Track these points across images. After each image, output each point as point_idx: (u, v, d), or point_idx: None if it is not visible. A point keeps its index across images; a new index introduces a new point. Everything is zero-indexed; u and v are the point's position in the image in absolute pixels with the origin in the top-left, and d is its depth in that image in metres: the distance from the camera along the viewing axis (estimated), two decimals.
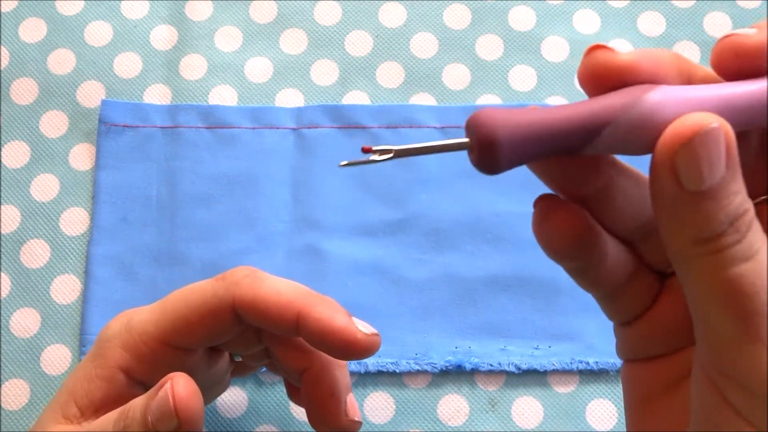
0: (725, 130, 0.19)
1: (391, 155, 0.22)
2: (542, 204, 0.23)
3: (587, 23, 0.51)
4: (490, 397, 0.45)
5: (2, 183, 0.49)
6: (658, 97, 0.20)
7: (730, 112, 0.20)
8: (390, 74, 0.51)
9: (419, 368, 0.45)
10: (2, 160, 0.49)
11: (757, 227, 0.20)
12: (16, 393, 0.46)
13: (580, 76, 0.22)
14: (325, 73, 0.51)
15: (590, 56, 0.22)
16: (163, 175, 0.48)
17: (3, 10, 0.52)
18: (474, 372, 0.45)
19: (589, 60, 0.22)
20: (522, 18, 0.51)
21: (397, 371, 0.45)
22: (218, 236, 0.47)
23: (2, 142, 0.50)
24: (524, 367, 0.45)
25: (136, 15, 0.52)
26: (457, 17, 0.52)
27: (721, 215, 0.19)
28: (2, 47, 0.52)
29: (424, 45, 0.51)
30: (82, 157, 0.49)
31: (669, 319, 0.24)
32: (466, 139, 0.21)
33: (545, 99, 0.50)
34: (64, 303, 0.47)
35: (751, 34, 0.21)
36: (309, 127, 0.49)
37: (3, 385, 0.46)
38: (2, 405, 0.45)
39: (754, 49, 0.21)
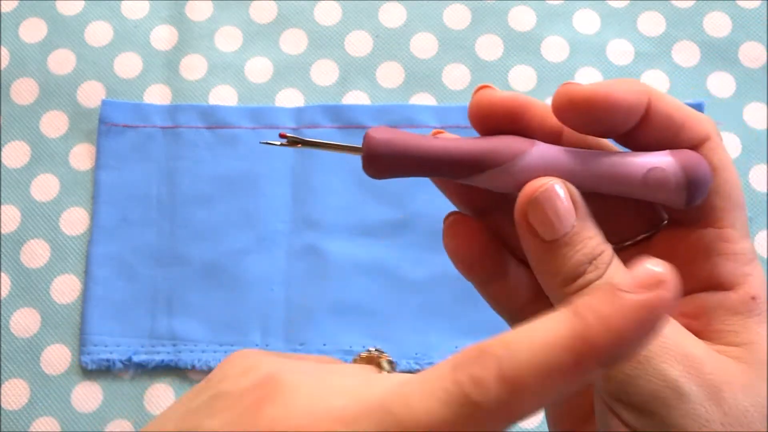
0: (566, 187, 0.23)
1: (299, 145, 0.26)
2: (450, 220, 0.26)
3: (587, 23, 0.51)
4: None
5: (2, 183, 0.49)
6: (536, 155, 0.23)
7: (588, 177, 0.23)
8: (390, 74, 0.51)
9: (419, 368, 0.45)
10: (2, 160, 0.49)
11: (616, 264, 0.23)
12: (16, 393, 0.46)
13: (470, 111, 0.25)
14: (325, 73, 0.51)
15: (477, 94, 0.25)
16: (163, 175, 0.48)
17: (3, 10, 0.52)
18: None
19: (477, 97, 0.25)
20: (522, 18, 0.51)
21: (397, 371, 0.45)
22: (218, 236, 0.47)
23: (2, 142, 0.50)
24: None
25: (136, 15, 0.52)
26: (457, 17, 0.52)
27: (580, 257, 0.22)
28: (2, 47, 0.52)
29: (424, 45, 0.51)
30: (82, 157, 0.49)
31: None
32: (360, 146, 0.25)
33: (545, 99, 0.50)
34: (64, 303, 0.47)
35: (581, 84, 0.24)
36: (309, 127, 0.49)
37: (3, 385, 0.46)
38: (2, 405, 0.45)
39: (584, 98, 0.23)
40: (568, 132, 0.25)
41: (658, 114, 0.23)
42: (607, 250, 0.23)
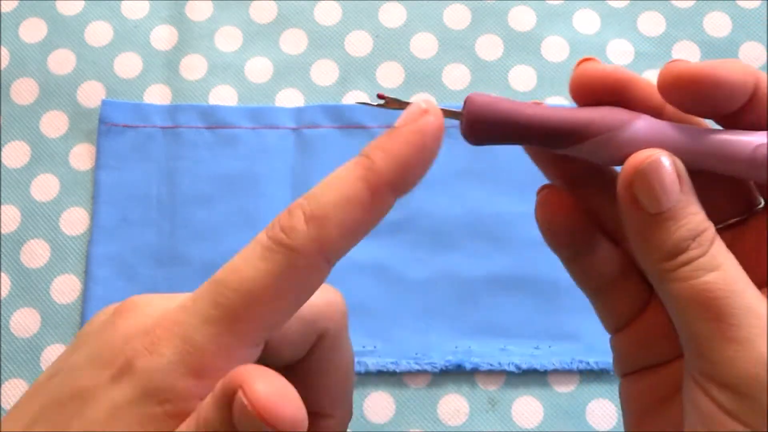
0: (673, 161, 0.22)
1: (397, 107, 0.25)
2: (543, 192, 0.26)
3: (587, 23, 0.51)
4: (490, 397, 0.45)
5: (2, 183, 0.49)
6: (642, 127, 0.23)
7: (694, 153, 0.23)
8: (390, 74, 0.51)
9: (419, 368, 0.45)
10: (2, 160, 0.49)
11: (719, 243, 0.23)
12: (16, 393, 0.46)
13: (572, 84, 0.25)
14: (325, 73, 0.51)
15: (580, 67, 0.25)
16: (163, 175, 0.48)
17: (3, 10, 0.52)
18: (474, 372, 0.45)
19: (580, 69, 0.25)
20: (522, 18, 0.51)
21: (397, 371, 0.45)
22: (218, 236, 0.47)
23: (2, 142, 0.50)
24: (524, 366, 0.45)
25: (136, 15, 0.52)
26: (457, 17, 0.52)
27: (684, 232, 0.22)
28: (2, 47, 0.52)
29: (424, 45, 0.51)
30: (82, 157, 0.49)
31: (659, 327, 0.26)
32: (460, 111, 0.25)
33: (545, 99, 0.50)
34: (64, 303, 0.47)
35: (689, 62, 0.24)
36: (309, 127, 0.49)
37: (3, 385, 0.46)
38: (2, 405, 0.45)
39: (690, 75, 0.23)
40: (670, 111, 0.25)
41: (765, 97, 0.23)
42: (711, 227, 0.23)
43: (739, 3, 0.51)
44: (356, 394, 0.45)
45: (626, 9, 0.52)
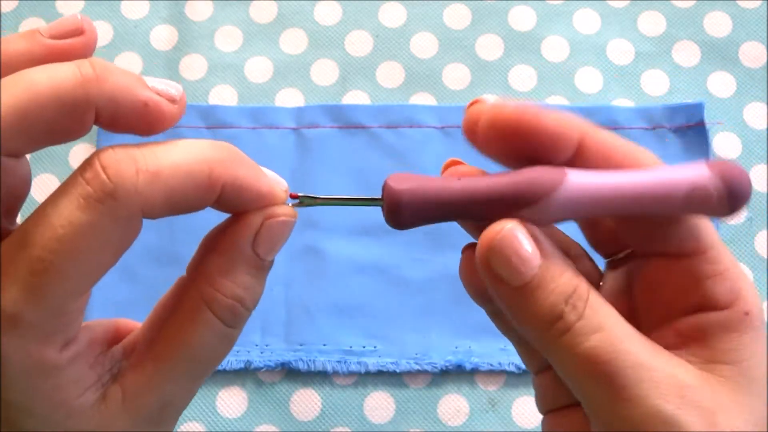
0: (525, 227, 0.22)
1: (319, 203, 0.25)
2: (466, 253, 0.26)
3: (587, 23, 0.51)
4: (490, 397, 0.45)
5: None
6: (573, 184, 0.22)
7: (629, 201, 0.22)
8: (390, 74, 0.51)
9: (419, 368, 0.45)
10: None
11: (595, 298, 0.22)
12: None
13: (467, 125, 0.24)
14: (325, 73, 0.51)
15: (475, 107, 0.24)
16: None
17: (3, 10, 0.52)
18: (474, 372, 0.45)
19: (475, 110, 0.24)
20: (522, 18, 0.51)
21: (397, 371, 0.45)
22: None
23: None
24: (524, 367, 0.45)
25: (136, 15, 0.52)
26: (457, 17, 0.52)
27: (554, 297, 0.22)
28: None
29: (424, 45, 0.51)
30: (82, 157, 0.49)
31: None
32: (379, 198, 0.23)
33: (545, 99, 0.50)
34: None
35: (506, 104, 0.23)
36: (309, 127, 0.49)
37: None
38: None
39: (508, 120, 0.23)
40: (590, 143, 0.24)
41: (594, 152, 0.23)
42: (581, 283, 0.22)
43: (739, 3, 0.51)
44: (356, 394, 0.45)
45: (626, 9, 0.52)
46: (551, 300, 0.22)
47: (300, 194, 0.25)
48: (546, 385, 0.27)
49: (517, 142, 0.23)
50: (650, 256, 0.25)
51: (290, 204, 0.25)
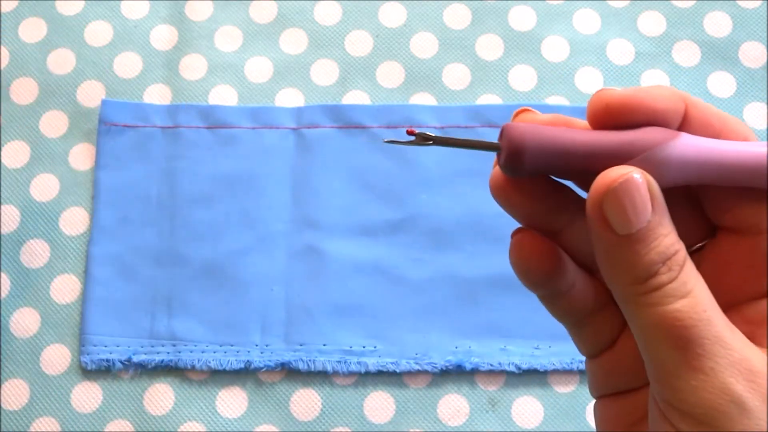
0: (646, 179, 0.22)
1: (430, 142, 0.24)
2: (518, 236, 0.25)
3: (587, 23, 0.51)
4: (490, 397, 0.45)
5: (2, 183, 0.49)
6: (676, 145, 0.22)
7: (729, 168, 0.23)
8: (390, 74, 0.51)
9: (419, 368, 0.45)
10: (2, 160, 0.49)
11: (690, 267, 0.22)
12: (16, 393, 0.46)
13: (590, 109, 0.24)
14: (325, 73, 0.51)
15: (596, 95, 0.24)
16: (163, 175, 0.48)
17: (3, 10, 0.52)
18: (474, 372, 0.45)
19: (596, 97, 0.24)
20: (522, 18, 0.51)
21: (397, 371, 0.45)
22: (218, 236, 0.47)
23: (2, 142, 0.50)
24: (524, 366, 0.45)
25: (136, 15, 0.52)
26: (457, 17, 0.52)
27: (653, 255, 0.22)
28: (2, 47, 0.52)
29: (424, 45, 0.51)
30: (82, 157, 0.49)
31: (632, 354, 0.25)
32: (497, 143, 0.23)
33: (545, 99, 0.50)
34: (63, 303, 0.47)
35: (617, 89, 0.23)
36: (309, 127, 0.49)
37: (3, 385, 0.46)
38: (2, 405, 0.45)
39: (619, 104, 0.23)
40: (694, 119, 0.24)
41: (696, 120, 0.23)
42: (682, 249, 0.22)
43: (739, 3, 0.51)
44: (356, 394, 0.45)
45: (626, 9, 0.52)
46: (651, 257, 0.21)
47: (417, 131, 0.24)
48: (599, 370, 0.27)
49: (627, 126, 0.23)
50: (725, 232, 0.24)
51: (405, 141, 0.24)
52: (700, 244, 0.25)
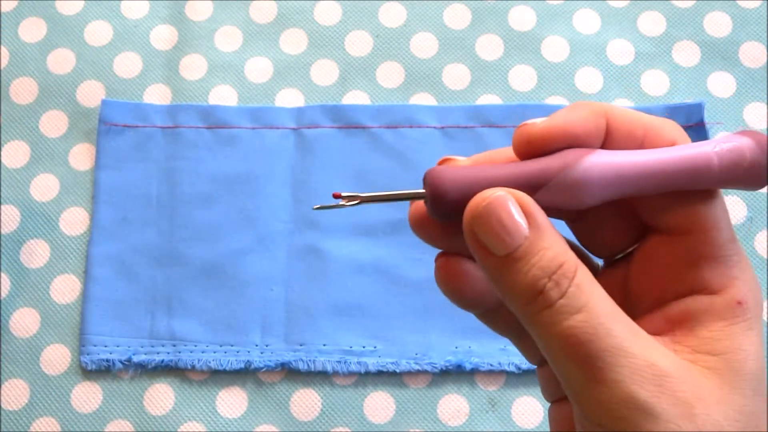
0: (516, 197, 0.22)
1: (357, 201, 0.24)
2: (440, 261, 0.26)
3: (587, 23, 0.51)
4: (490, 397, 0.45)
5: (2, 183, 0.49)
6: (587, 164, 0.22)
7: (662, 175, 0.22)
8: (390, 74, 0.51)
9: (419, 368, 0.45)
10: (2, 160, 0.49)
11: (583, 277, 0.22)
12: (16, 393, 0.46)
13: (514, 146, 0.24)
14: (325, 73, 0.51)
15: (518, 131, 0.24)
16: (163, 175, 0.48)
17: (3, 10, 0.52)
18: (474, 372, 0.45)
19: (517, 133, 0.24)
20: (522, 18, 0.51)
21: (397, 371, 0.45)
22: (218, 236, 0.47)
23: (2, 142, 0.50)
24: (524, 367, 0.45)
25: (136, 15, 0.52)
26: (457, 17, 0.52)
27: (535, 271, 0.21)
28: (2, 47, 0.52)
29: (424, 45, 0.51)
30: (82, 157, 0.49)
31: None
32: (422, 191, 0.23)
33: (545, 99, 0.50)
34: (63, 303, 0.47)
35: (537, 122, 0.23)
36: (309, 127, 0.49)
37: (3, 385, 0.46)
38: (2, 405, 0.45)
39: (539, 136, 0.23)
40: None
41: (619, 133, 0.23)
42: (569, 260, 0.22)
43: (739, 3, 0.51)
44: (356, 394, 0.45)
45: (626, 9, 0.52)
46: (533, 273, 0.21)
47: (343, 194, 0.25)
48: (546, 377, 0.27)
49: (551, 153, 0.23)
50: (654, 233, 0.24)
51: (332, 204, 0.25)
52: (632, 248, 0.25)
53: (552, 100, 0.50)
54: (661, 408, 0.20)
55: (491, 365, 0.45)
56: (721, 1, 0.52)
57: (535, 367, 0.28)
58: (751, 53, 0.50)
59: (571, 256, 0.22)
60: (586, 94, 0.50)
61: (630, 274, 0.25)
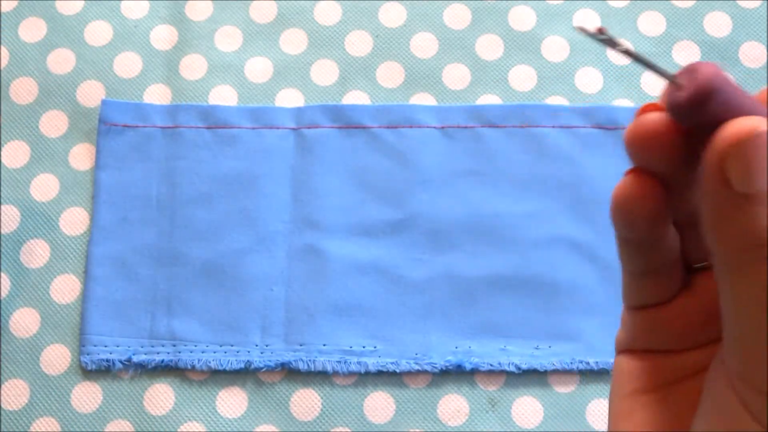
0: None
1: (622, 48, 0.21)
2: (633, 174, 0.22)
3: (587, 23, 0.51)
4: (490, 397, 0.45)
5: (2, 183, 0.49)
6: None
7: None
8: (390, 74, 0.51)
9: (419, 368, 0.45)
10: (2, 160, 0.49)
11: None
12: (16, 393, 0.46)
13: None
14: (325, 73, 0.51)
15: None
16: (163, 175, 0.48)
17: (3, 10, 0.52)
18: (474, 372, 0.45)
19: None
20: (522, 18, 0.51)
21: (397, 371, 0.45)
22: (218, 236, 0.47)
23: (2, 142, 0.50)
24: (524, 367, 0.45)
25: (136, 15, 0.52)
26: (457, 17, 0.52)
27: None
28: (2, 47, 0.52)
29: (424, 45, 0.51)
30: (82, 157, 0.49)
31: (683, 316, 0.24)
32: (676, 76, 0.21)
33: (545, 99, 0.50)
34: (63, 303, 0.47)
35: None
36: (309, 127, 0.49)
37: (3, 385, 0.46)
38: (2, 405, 0.45)
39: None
40: None
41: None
42: None
43: (739, 3, 0.51)
44: (356, 394, 0.45)
45: (626, 9, 0.52)
46: (765, 224, 0.19)
47: (609, 32, 0.22)
48: (638, 323, 0.25)
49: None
50: None
51: (602, 38, 0.22)
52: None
53: (552, 100, 0.50)
54: None
55: (491, 365, 0.45)
56: (721, 1, 0.52)
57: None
58: (751, 53, 0.50)
59: None
60: (586, 94, 0.50)
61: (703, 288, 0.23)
